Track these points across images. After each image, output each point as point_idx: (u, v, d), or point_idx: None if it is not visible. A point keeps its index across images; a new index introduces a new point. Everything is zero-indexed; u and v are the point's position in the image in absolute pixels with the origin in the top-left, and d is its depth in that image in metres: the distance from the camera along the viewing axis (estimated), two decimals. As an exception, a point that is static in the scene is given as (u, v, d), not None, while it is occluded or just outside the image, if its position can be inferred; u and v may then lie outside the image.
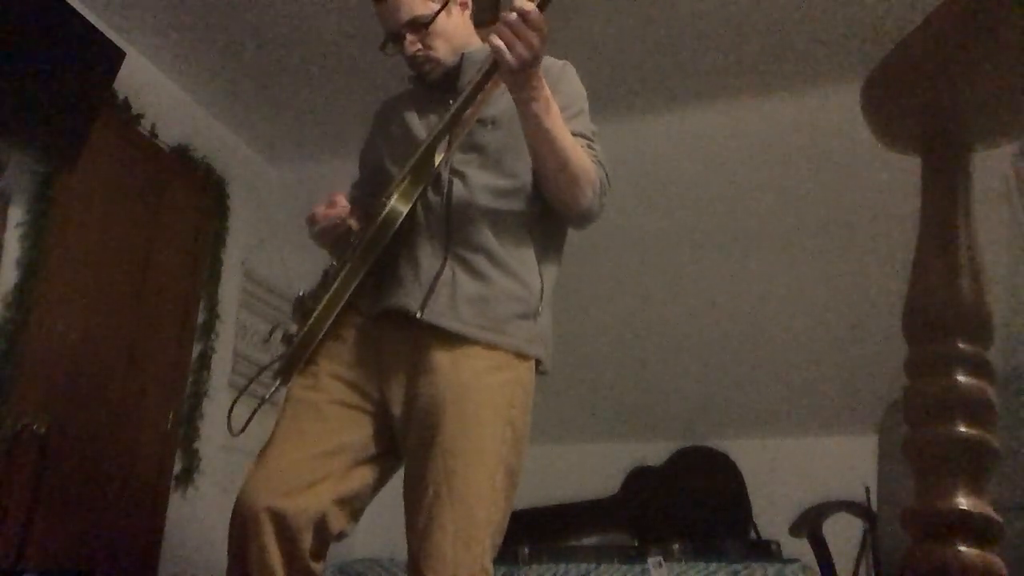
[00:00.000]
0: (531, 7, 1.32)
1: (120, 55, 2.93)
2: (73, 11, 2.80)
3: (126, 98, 3.18)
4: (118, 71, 2.93)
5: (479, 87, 1.47)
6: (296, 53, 3.35)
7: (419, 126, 1.63)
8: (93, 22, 2.91)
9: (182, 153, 3.49)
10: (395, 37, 1.63)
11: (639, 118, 3.52)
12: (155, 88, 3.42)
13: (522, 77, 1.37)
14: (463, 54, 1.64)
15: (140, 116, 3.26)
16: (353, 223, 1.60)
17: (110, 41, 2.93)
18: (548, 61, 1.65)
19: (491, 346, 1.47)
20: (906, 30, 0.72)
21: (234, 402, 1.57)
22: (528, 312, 1.52)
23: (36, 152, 2.77)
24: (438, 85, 1.63)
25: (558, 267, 1.64)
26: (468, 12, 1.70)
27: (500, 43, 1.33)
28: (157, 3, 3.11)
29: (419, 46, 1.61)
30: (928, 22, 0.70)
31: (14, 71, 2.61)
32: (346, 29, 3.18)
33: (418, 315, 1.46)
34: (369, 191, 1.68)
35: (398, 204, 1.50)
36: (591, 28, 3.10)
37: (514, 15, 1.31)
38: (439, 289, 1.48)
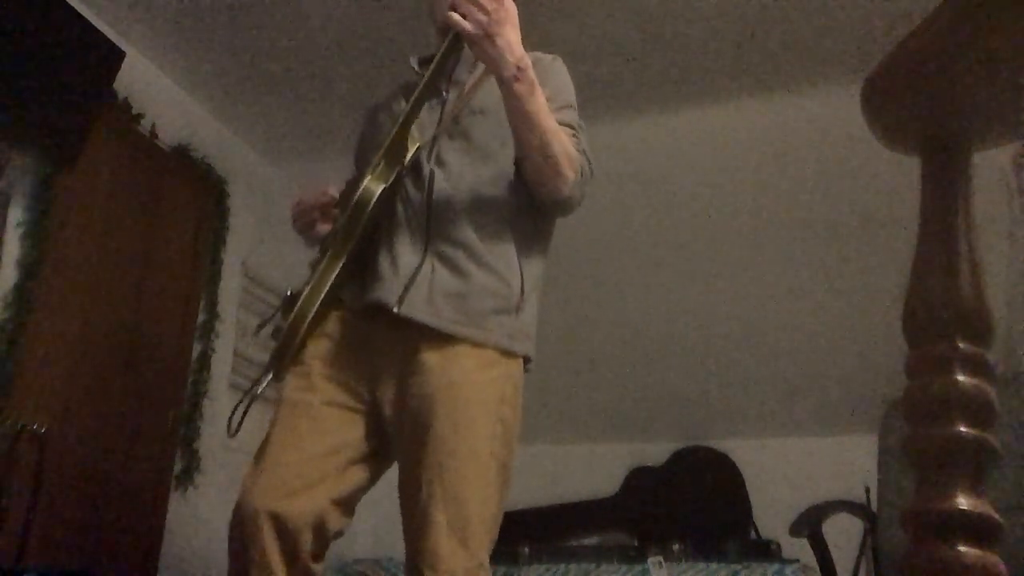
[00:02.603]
0: None
1: (120, 55, 2.93)
2: (73, 11, 2.80)
3: (126, 98, 3.18)
4: (118, 71, 2.93)
5: (446, 56, 1.47)
6: (296, 53, 3.35)
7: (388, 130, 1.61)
8: (93, 22, 2.91)
9: (182, 153, 3.49)
10: None
11: (639, 118, 3.52)
12: (155, 88, 3.42)
13: (490, 47, 1.36)
14: None
15: (140, 116, 3.26)
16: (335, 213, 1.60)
17: (110, 41, 2.93)
18: (538, 55, 1.64)
19: (477, 344, 1.48)
20: (906, 30, 0.73)
21: (236, 407, 1.57)
22: (507, 307, 1.52)
23: (36, 152, 2.77)
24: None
25: (543, 262, 1.63)
26: None
27: (455, 14, 1.34)
28: (157, 3, 3.11)
29: None
30: (928, 22, 0.70)
31: (14, 71, 2.61)
32: (346, 29, 3.19)
33: (395, 309, 1.46)
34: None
35: (371, 184, 1.51)
36: (591, 28, 3.10)
37: None
38: (417, 284, 1.48)
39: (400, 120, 1.52)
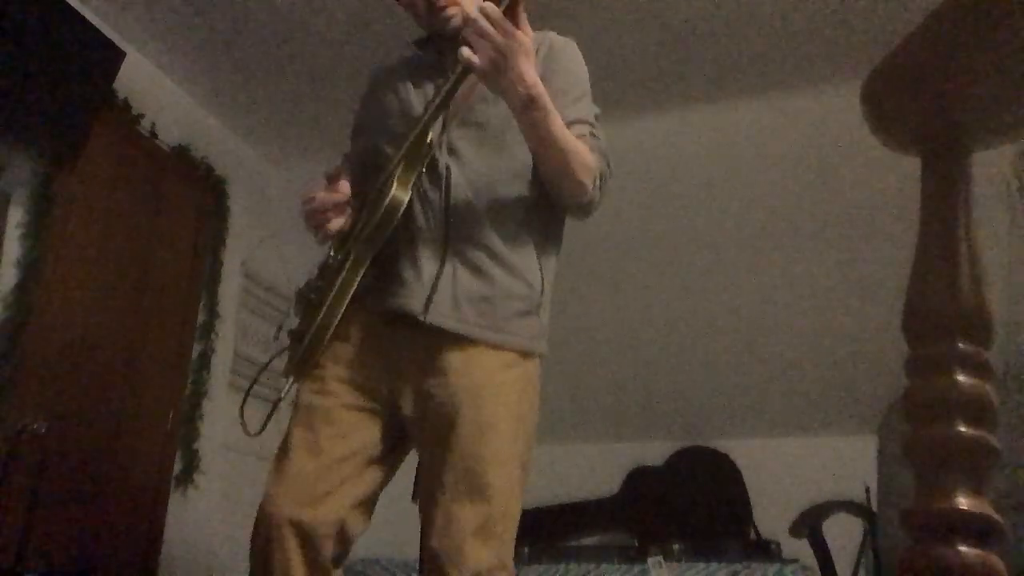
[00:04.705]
0: (488, 6, 1.31)
1: (120, 55, 2.93)
2: (73, 11, 2.80)
3: (126, 98, 3.18)
4: (118, 71, 2.93)
5: (456, 86, 1.44)
6: (297, 54, 3.35)
7: (415, 99, 1.59)
8: (93, 22, 2.91)
9: (182, 153, 3.49)
10: None
11: (640, 118, 3.52)
12: (155, 88, 3.42)
13: (501, 80, 1.34)
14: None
15: (140, 116, 3.27)
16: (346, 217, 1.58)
17: (110, 41, 2.93)
18: (552, 36, 1.62)
19: (497, 346, 1.48)
20: (906, 30, 0.72)
21: (243, 401, 1.58)
22: (530, 309, 1.52)
23: (36, 152, 2.77)
24: (453, 36, 1.55)
25: (557, 257, 1.63)
26: None
27: (466, 52, 1.32)
28: (157, 3, 3.11)
29: None
30: (928, 22, 0.70)
31: (14, 71, 2.61)
32: (346, 29, 3.19)
33: (421, 318, 1.45)
34: (361, 166, 1.66)
35: (399, 193, 1.48)
36: (591, 28, 3.10)
37: (473, 18, 1.31)
38: (440, 289, 1.47)
39: (419, 128, 1.49)
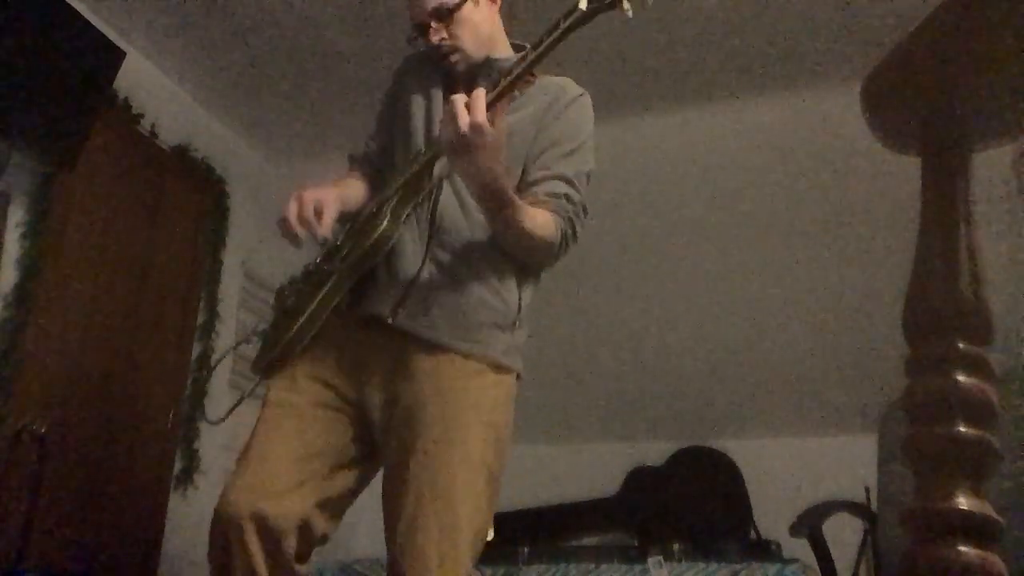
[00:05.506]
0: (478, 95, 1.30)
1: (120, 55, 2.93)
2: (73, 11, 2.80)
3: (126, 98, 3.18)
4: (118, 71, 2.93)
5: (435, 157, 1.50)
6: (296, 53, 3.35)
7: (419, 121, 1.61)
8: (93, 22, 2.91)
9: (182, 153, 3.48)
10: (421, 28, 1.60)
11: (639, 118, 3.51)
12: (155, 88, 3.42)
13: (458, 163, 1.36)
14: (487, 57, 1.62)
15: (140, 116, 3.26)
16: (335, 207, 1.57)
17: (110, 41, 2.93)
18: (566, 84, 1.63)
19: (468, 354, 1.47)
20: (906, 30, 0.72)
21: (204, 384, 1.58)
22: (504, 323, 1.52)
23: (36, 152, 2.77)
24: (462, 78, 1.59)
25: (536, 285, 1.63)
26: (497, 7, 1.66)
27: (441, 123, 1.35)
28: (157, 3, 3.11)
29: (444, 35, 1.58)
30: (928, 22, 0.70)
31: (14, 71, 2.61)
32: (346, 30, 3.19)
33: (389, 320, 1.46)
34: (376, 157, 1.71)
35: (389, 227, 1.50)
36: (591, 28, 3.10)
37: (460, 101, 1.31)
38: (413, 294, 1.47)
39: (420, 163, 1.51)
